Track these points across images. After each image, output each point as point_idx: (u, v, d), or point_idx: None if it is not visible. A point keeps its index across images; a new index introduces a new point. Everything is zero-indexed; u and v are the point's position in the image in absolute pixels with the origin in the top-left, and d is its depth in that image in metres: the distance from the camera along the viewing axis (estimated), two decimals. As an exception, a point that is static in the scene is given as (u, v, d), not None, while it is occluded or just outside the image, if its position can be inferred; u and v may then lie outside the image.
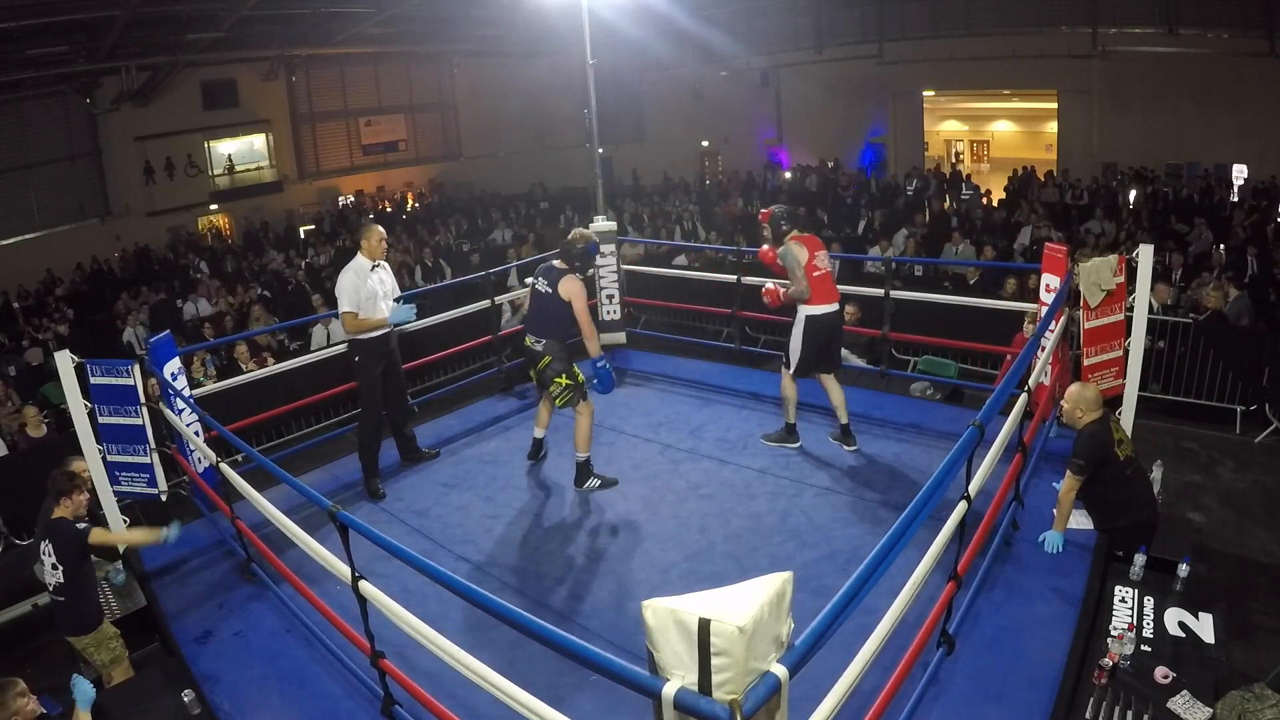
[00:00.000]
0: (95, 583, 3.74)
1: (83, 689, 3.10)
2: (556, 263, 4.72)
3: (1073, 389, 3.84)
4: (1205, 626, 3.16)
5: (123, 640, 3.83)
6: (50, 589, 3.70)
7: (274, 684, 3.40)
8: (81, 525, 3.60)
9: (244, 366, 7.31)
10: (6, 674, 3.01)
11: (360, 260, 4.80)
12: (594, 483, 4.78)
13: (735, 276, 6.57)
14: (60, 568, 3.61)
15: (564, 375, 4.59)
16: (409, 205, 19.88)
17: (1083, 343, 4.69)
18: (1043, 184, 14.72)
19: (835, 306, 4.78)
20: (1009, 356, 5.65)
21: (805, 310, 4.70)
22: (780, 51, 18.49)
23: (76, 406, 4.56)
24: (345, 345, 5.20)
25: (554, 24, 14.40)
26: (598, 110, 7.91)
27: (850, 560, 3.82)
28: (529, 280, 4.99)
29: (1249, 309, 7.13)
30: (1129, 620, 3.21)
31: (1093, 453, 3.64)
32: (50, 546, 3.61)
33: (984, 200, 14.51)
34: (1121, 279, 4.53)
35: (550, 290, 4.61)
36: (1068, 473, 3.70)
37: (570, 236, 4.72)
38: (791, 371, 4.86)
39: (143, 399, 4.67)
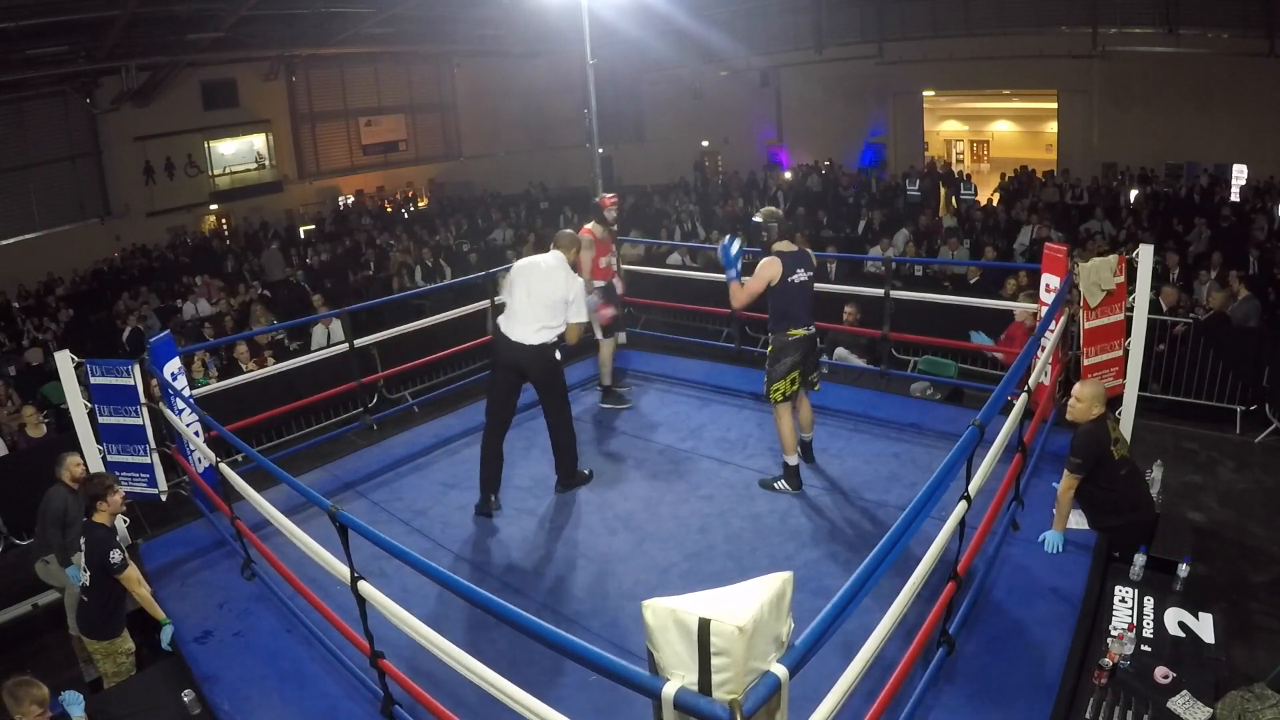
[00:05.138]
0: (120, 596, 3.75)
1: (71, 700, 3.10)
2: (791, 246, 4.37)
3: (1084, 388, 3.80)
4: (1205, 626, 3.16)
5: (134, 659, 3.84)
6: (79, 585, 3.78)
7: (274, 684, 3.39)
8: (116, 555, 3.62)
9: (244, 366, 7.30)
10: (6, 675, 3.01)
11: (565, 257, 4.61)
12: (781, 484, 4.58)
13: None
14: (88, 571, 3.68)
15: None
16: (419, 203, 19.92)
17: (1082, 343, 4.70)
18: (1043, 184, 14.72)
19: (603, 283, 5.74)
20: (1004, 340, 5.69)
21: None
22: (780, 51, 18.50)
23: (76, 406, 4.56)
24: (543, 344, 4.45)
25: (554, 24, 14.40)
26: (598, 110, 7.92)
27: (850, 560, 3.82)
28: (794, 276, 4.31)
29: (1257, 310, 7.13)
30: (1129, 620, 3.21)
31: (1090, 450, 3.64)
32: (85, 547, 3.71)
33: (976, 198, 14.55)
34: (1121, 279, 4.53)
35: (813, 273, 4.41)
36: (1065, 471, 3.70)
37: (766, 217, 4.40)
38: (599, 334, 5.85)
39: (143, 399, 4.68)
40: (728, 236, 4.50)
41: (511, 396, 4.59)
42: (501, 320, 4.52)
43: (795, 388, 4.38)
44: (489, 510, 4.54)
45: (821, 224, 13.74)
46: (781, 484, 4.55)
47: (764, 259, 4.29)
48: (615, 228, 6.59)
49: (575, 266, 5.37)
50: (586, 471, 4.87)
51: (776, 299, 4.31)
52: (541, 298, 4.41)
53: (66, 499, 4.43)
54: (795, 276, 4.28)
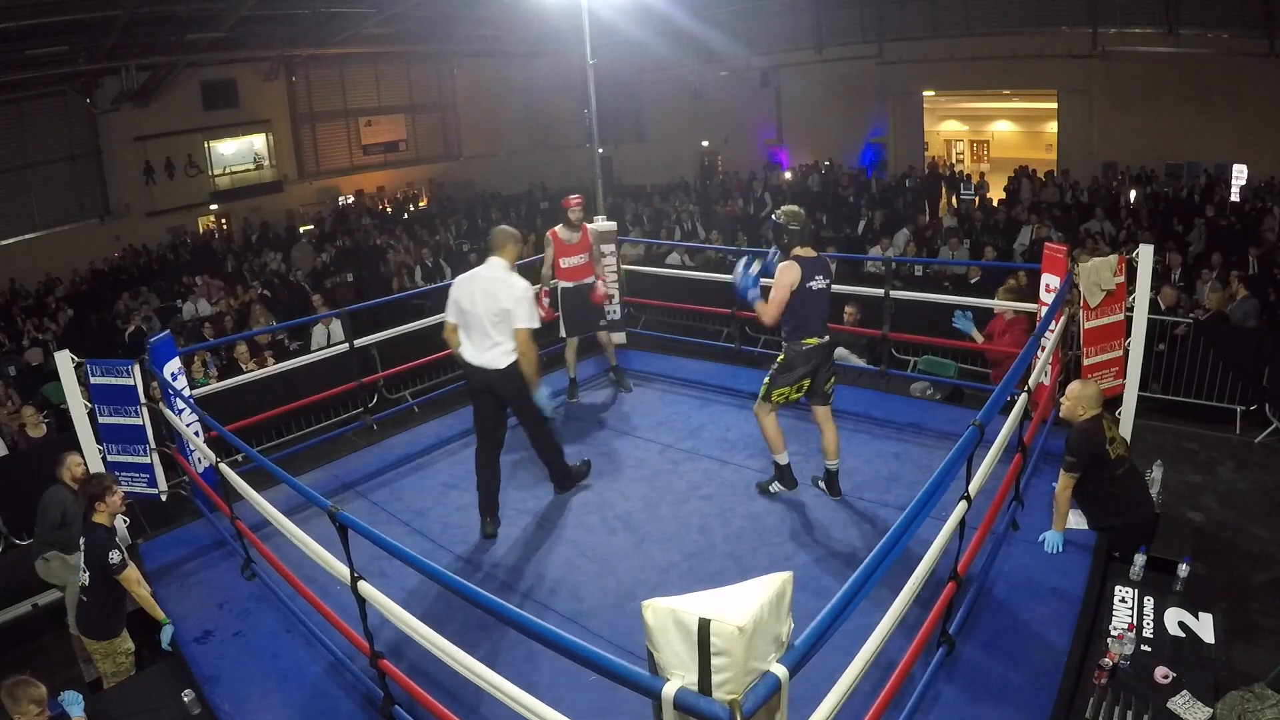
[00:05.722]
0: (119, 596, 3.75)
1: (70, 700, 3.10)
2: (811, 252, 4.15)
3: (1074, 386, 3.84)
4: (1205, 626, 3.16)
5: (134, 659, 3.85)
6: (79, 585, 3.78)
7: (274, 684, 3.39)
8: (115, 556, 3.63)
9: (244, 366, 7.30)
10: (5, 674, 3.01)
11: (507, 263, 4.18)
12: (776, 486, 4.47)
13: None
14: (87, 571, 3.67)
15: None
16: (419, 203, 19.92)
17: (1083, 343, 4.70)
18: (1043, 184, 14.72)
19: (570, 284, 5.82)
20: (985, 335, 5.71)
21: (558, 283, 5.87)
22: (780, 51, 18.51)
23: (76, 406, 4.56)
24: (511, 365, 4.13)
25: (554, 24, 14.42)
26: (598, 110, 7.91)
27: (850, 560, 3.82)
28: (810, 284, 4.09)
29: (1256, 310, 7.13)
30: (1129, 620, 3.21)
31: (1084, 449, 3.64)
32: (84, 547, 3.71)
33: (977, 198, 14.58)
34: (1121, 279, 4.53)
35: (830, 281, 4.22)
36: (1061, 471, 3.70)
37: (786, 219, 4.15)
38: (563, 333, 5.97)
39: (143, 399, 4.68)
40: (741, 261, 4.24)
41: (497, 416, 4.34)
42: (462, 346, 4.25)
43: (799, 395, 4.26)
44: (491, 531, 4.36)
45: (821, 224, 13.75)
46: (776, 485, 4.46)
47: (782, 264, 4.09)
48: (613, 225, 6.62)
49: (554, 267, 5.66)
50: (583, 465, 4.81)
51: (792, 307, 4.11)
52: (489, 315, 4.09)
53: (66, 499, 4.43)
54: (814, 283, 4.09)
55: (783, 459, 4.41)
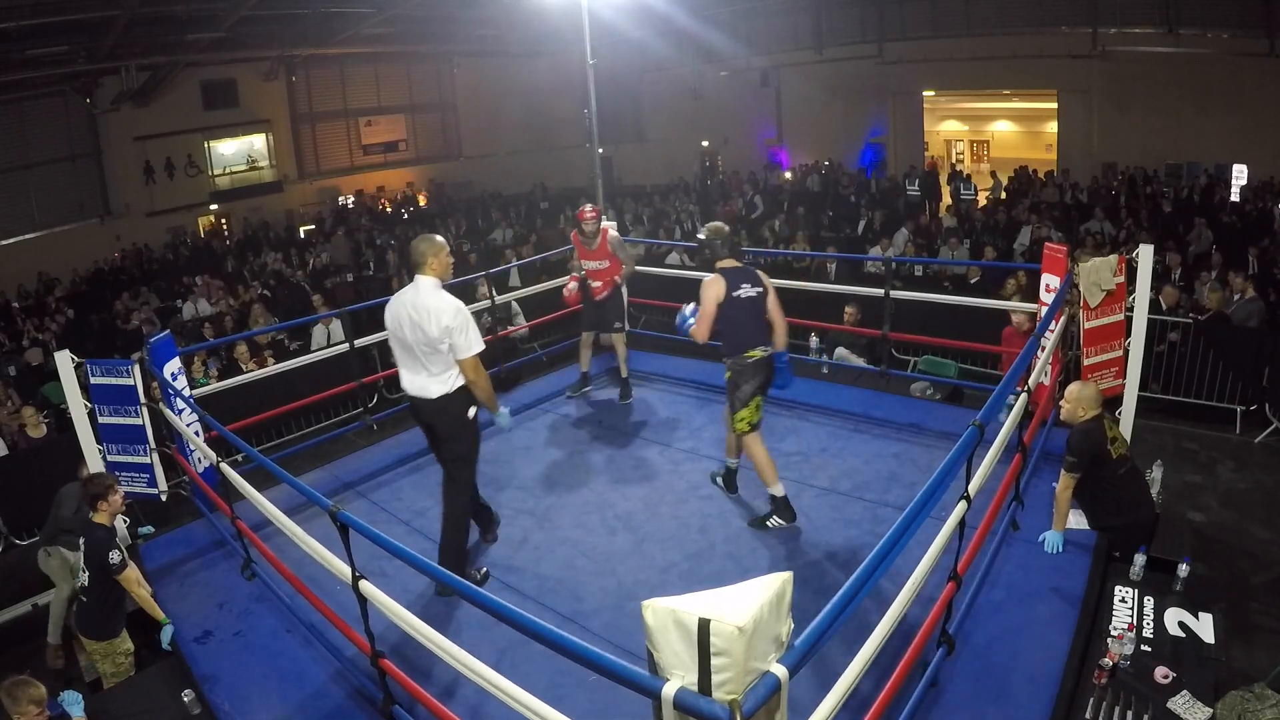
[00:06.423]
0: (119, 596, 3.76)
1: (70, 700, 3.11)
2: (735, 263, 4.16)
3: (1073, 388, 3.85)
4: (1205, 626, 3.16)
5: (134, 659, 3.85)
6: (78, 586, 3.79)
7: (274, 684, 3.40)
8: (115, 556, 3.63)
9: (244, 366, 7.30)
10: (5, 674, 3.01)
11: (435, 280, 3.70)
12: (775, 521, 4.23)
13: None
14: (87, 571, 3.69)
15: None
16: (419, 203, 19.89)
17: (1083, 343, 4.70)
18: (1043, 184, 14.72)
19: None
20: (1004, 356, 5.68)
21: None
22: (780, 51, 18.50)
23: (76, 406, 4.56)
24: (444, 396, 3.73)
25: (554, 24, 14.42)
26: (598, 110, 7.93)
27: (850, 560, 3.82)
28: (739, 292, 4.06)
29: (1260, 310, 7.12)
30: (1129, 620, 3.21)
31: (1085, 450, 3.64)
32: (84, 548, 3.73)
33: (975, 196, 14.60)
34: (1121, 279, 4.53)
35: (762, 290, 4.13)
36: (1062, 471, 3.71)
37: (710, 234, 4.20)
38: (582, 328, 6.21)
39: (143, 399, 4.68)
40: (686, 307, 4.26)
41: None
42: (399, 370, 3.89)
43: (760, 415, 4.19)
44: (491, 539, 4.31)
45: (822, 224, 13.75)
46: (775, 520, 4.20)
47: (706, 279, 4.08)
48: (613, 225, 6.64)
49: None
50: (482, 576, 3.98)
51: (726, 319, 4.06)
52: (419, 345, 3.65)
53: (80, 499, 4.45)
54: (741, 292, 4.04)
55: (778, 490, 4.19)
